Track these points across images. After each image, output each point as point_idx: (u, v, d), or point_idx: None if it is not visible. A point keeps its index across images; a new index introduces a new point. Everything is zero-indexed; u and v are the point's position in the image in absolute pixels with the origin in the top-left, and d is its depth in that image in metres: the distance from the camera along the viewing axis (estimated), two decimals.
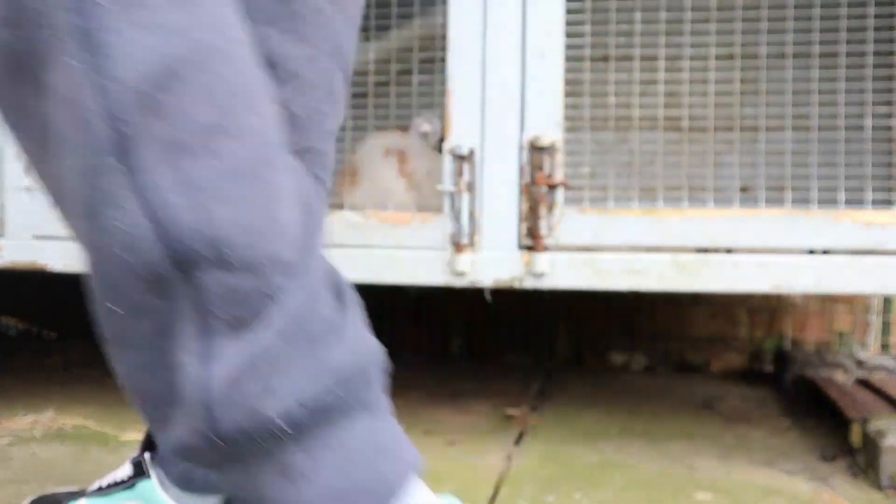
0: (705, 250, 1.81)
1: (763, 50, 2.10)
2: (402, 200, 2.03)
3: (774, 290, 1.74)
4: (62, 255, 2.05)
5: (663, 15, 2.00)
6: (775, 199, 2.40)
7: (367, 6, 2.14)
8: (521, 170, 1.81)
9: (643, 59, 2.33)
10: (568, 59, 1.83)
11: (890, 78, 2.16)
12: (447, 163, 1.84)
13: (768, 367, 2.97)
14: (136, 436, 1.94)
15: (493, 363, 3.14)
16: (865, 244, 1.71)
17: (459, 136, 1.84)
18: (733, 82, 2.46)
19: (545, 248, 1.82)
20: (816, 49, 2.09)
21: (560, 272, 1.81)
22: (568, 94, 1.85)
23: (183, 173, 0.71)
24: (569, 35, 1.82)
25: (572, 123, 2.59)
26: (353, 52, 1.05)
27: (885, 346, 2.96)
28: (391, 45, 2.28)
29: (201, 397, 0.74)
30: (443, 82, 1.87)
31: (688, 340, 3.10)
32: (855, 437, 1.84)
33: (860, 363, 2.58)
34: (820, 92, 2.14)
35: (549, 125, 1.80)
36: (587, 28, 1.90)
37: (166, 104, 0.70)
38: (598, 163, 2.58)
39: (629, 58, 2.35)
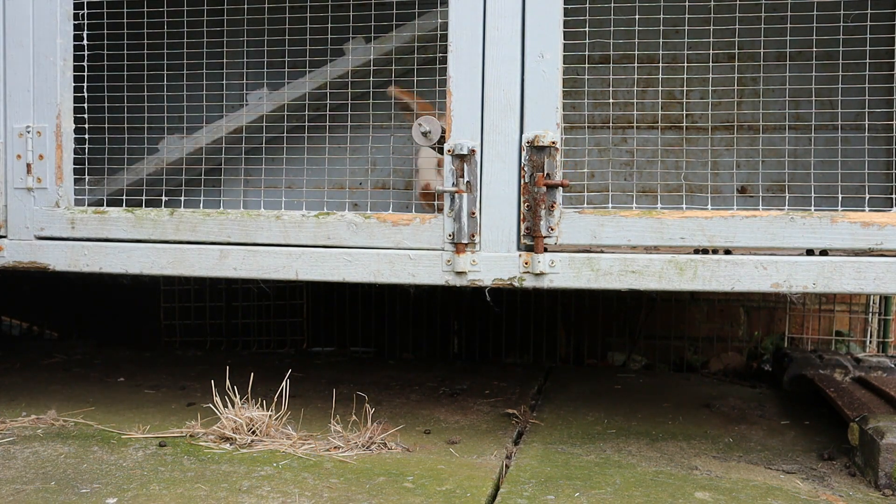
0: (704, 250, 1.82)
1: (763, 51, 2.11)
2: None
3: (773, 290, 1.75)
4: (64, 255, 2.06)
5: (663, 15, 2.01)
6: (774, 200, 2.41)
7: (367, 6, 2.15)
8: (521, 170, 1.82)
9: (643, 59, 2.34)
10: (568, 59, 1.83)
11: (890, 78, 2.17)
12: (447, 163, 1.84)
13: (767, 367, 2.98)
14: (137, 434, 1.95)
15: (492, 363, 3.14)
16: (863, 244, 1.72)
17: (459, 136, 1.85)
18: (733, 82, 2.47)
19: (545, 249, 1.82)
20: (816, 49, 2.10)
21: (560, 272, 1.82)
22: (567, 95, 1.86)
23: None
24: (568, 35, 1.83)
25: (572, 123, 2.60)
26: None
27: (883, 346, 2.96)
28: (391, 45, 2.28)
29: None
30: (443, 82, 1.87)
31: (687, 340, 3.10)
32: (853, 436, 1.84)
33: (858, 362, 2.59)
34: (820, 92, 2.15)
35: (548, 125, 1.81)
36: (587, 28, 1.90)
37: None
38: (597, 163, 2.58)
39: (629, 58, 2.36)
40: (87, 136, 2.10)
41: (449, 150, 1.85)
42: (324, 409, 2.22)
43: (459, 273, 1.86)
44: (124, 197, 2.23)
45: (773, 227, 1.74)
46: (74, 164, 2.08)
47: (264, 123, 2.52)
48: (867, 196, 1.82)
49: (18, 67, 2.06)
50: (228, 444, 1.88)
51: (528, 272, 1.83)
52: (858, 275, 1.71)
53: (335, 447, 1.86)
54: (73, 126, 2.08)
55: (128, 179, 2.49)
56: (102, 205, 2.19)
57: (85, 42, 2.06)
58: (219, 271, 1.98)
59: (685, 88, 2.46)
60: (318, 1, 2.20)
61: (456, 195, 1.85)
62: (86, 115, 2.08)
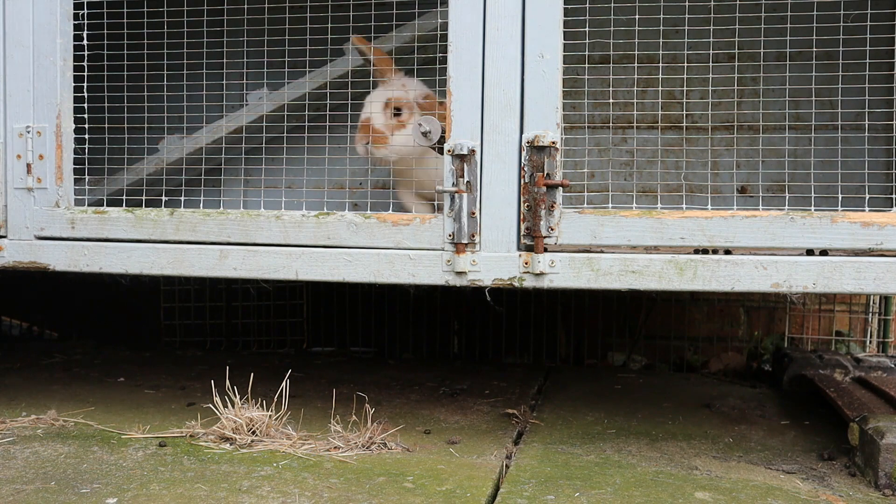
0: (704, 251, 1.82)
1: (763, 51, 2.11)
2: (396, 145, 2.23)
3: (773, 290, 1.75)
4: (64, 255, 2.06)
5: (663, 15, 2.00)
6: (774, 200, 2.41)
7: (367, 6, 2.15)
8: (521, 170, 1.82)
9: (643, 59, 2.34)
10: (568, 59, 1.83)
11: (890, 78, 2.17)
12: (447, 163, 1.84)
13: (767, 367, 2.98)
14: (137, 434, 1.95)
15: (492, 363, 3.14)
16: (863, 244, 1.72)
17: (459, 136, 1.85)
18: (733, 82, 2.47)
19: (545, 249, 1.82)
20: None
21: (560, 272, 1.82)
22: (567, 95, 1.86)
23: None
24: (568, 35, 1.83)
25: (572, 123, 2.60)
26: None
27: (883, 346, 2.96)
28: (391, 45, 2.28)
29: None
30: (443, 83, 1.87)
31: (687, 340, 3.10)
32: (853, 436, 1.84)
33: (858, 362, 2.59)
34: (820, 92, 2.15)
35: (548, 125, 1.81)
36: (587, 28, 1.90)
37: None
38: (597, 163, 2.58)
39: (629, 58, 2.36)
40: (87, 136, 2.10)
41: (449, 150, 1.85)
42: (324, 409, 2.22)
43: (459, 273, 1.86)
44: (124, 197, 2.23)
45: (773, 227, 1.74)
46: (74, 164, 2.08)
47: (264, 123, 2.52)
48: (867, 196, 1.82)
49: (18, 67, 2.06)
50: (228, 445, 1.88)
51: (528, 272, 1.83)
52: (858, 275, 1.71)
53: (335, 447, 1.86)
54: (73, 126, 2.08)
55: (128, 179, 2.49)
56: (102, 205, 2.19)
57: (85, 42, 2.06)
58: (219, 271, 1.98)
59: (685, 88, 2.46)
60: (318, 1, 2.20)
61: (456, 195, 1.85)
62: (86, 115, 2.08)
